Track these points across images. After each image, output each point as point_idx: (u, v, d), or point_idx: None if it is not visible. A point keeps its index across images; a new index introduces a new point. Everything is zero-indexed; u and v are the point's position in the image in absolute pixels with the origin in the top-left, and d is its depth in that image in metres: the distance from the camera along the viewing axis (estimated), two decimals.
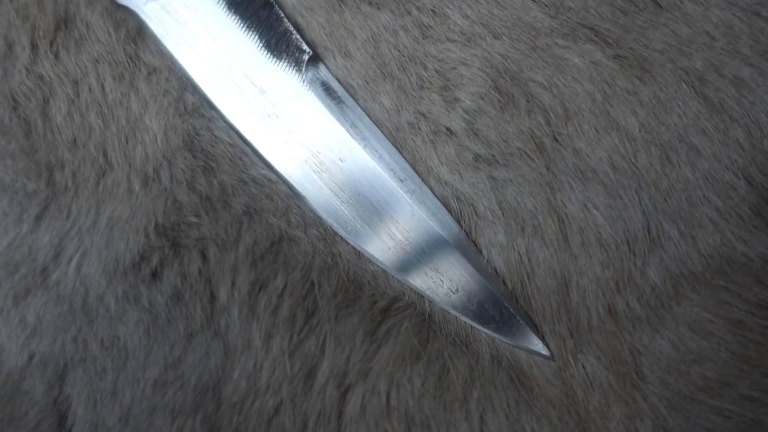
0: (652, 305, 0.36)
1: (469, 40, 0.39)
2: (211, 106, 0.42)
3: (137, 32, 0.42)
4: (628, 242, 0.36)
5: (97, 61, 0.41)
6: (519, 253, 0.38)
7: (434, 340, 0.38)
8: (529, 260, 0.37)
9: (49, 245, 0.40)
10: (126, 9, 0.43)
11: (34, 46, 0.41)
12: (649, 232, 0.36)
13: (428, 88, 0.40)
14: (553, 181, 0.37)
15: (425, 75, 0.40)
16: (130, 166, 0.40)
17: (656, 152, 0.36)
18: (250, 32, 0.42)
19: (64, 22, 0.41)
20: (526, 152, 0.37)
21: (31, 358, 0.39)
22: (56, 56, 0.41)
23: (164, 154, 0.40)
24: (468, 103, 0.39)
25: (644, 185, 0.36)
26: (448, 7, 0.40)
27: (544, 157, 0.37)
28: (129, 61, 0.41)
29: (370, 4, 0.41)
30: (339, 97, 0.42)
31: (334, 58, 0.41)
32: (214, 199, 0.39)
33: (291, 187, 0.41)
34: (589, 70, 0.38)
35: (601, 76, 0.37)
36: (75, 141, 0.40)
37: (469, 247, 0.40)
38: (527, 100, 0.38)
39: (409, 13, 0.40)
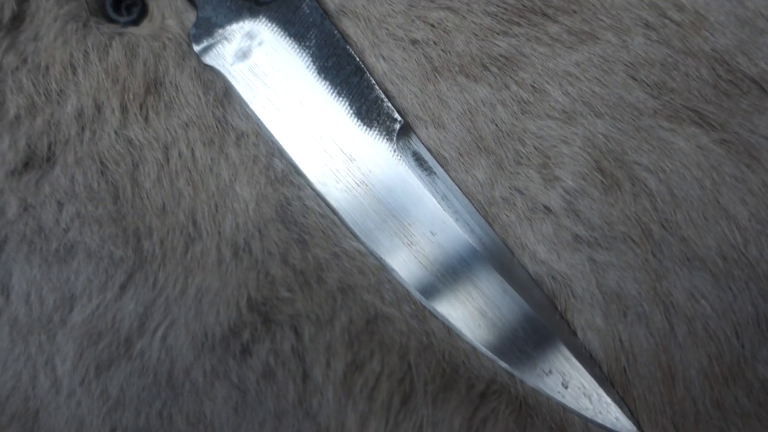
0: (761, 401, 0.35)
1: (569, 118, 0.39)
2: (299, 173, 0.41)
3: (224, 94, 0.42)
4: (737, 334, 0.35)
5: (187, 125, 0.40)
6: (619, 339, 0.37)
7: (531, 426, 0.37)
8: (631, 347, 0.37)
9: (134, 314, 0.39)
10: (213, 69, 0.42)
11: (123, 109, 0.40)
12: (758, 324, 0.35)
13: (526, 165, 0.39)
14: (659, 268, 0.36)
15: (523, 151, 0.39)
16: (219, 235, 0.39)
17: (767, 243, 0.36)
18: (341, 98, 0.41)
19: (153, 85, 0.41)
20: (630, 237, 0.37)
21: None
22: (146, 120, 0.40)
23: (255, 224, 0.39)
24: (569, 182, 0.38)
25: (754, 277, 0.36)
26: (548, 83, 0.39)
27: (650, 244, 0.36)
28: (218, 125, 0.41)
29: (467, 76, 0.40)
30: (430, 167, 0.41)
31: (426, 128, 0.41)
32: (308, 273, 0.38)
33: (380, 260, 0.40)
34: (696, 154, 0.37)
35: (709, 161, 0.37)
36: (164, 208, 0.39)
37: (562, 327, 0.39)
38: (632, 184, 0.37)
39: (508, 87, 0.40)
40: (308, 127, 0.41)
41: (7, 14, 0.40)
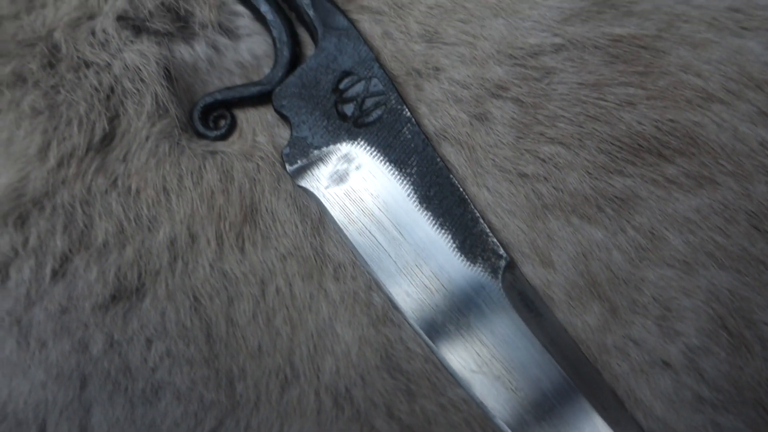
0: None
1: (690, 269, 0.37)
2: (396, 308, 0.39)
3: (320, 220, 0.40)
4: None
5: (285, 257, 0.38)
6: None
7: None
8: None
9: None
10: (306, 191, 0.40)
11: (219, 240, 0.38)
12: None
13: (643, 315, 0.37)
14: None
15: (640, 300, 0.37)
16: (318, 379, 0.37)
17: None
18: (443, 230, 0.39)
19: (250, 212, 0.38)
20: (761, 405, 0.35)
21: None
22: (242, 251, 0.38)
23: (358, 370, 0.36)
24: (692, 339, 0.36)
25: None
26: (668, 230, 0.38)
27: None
28: (316, 256, 0.39)
29: (580, 217, 0.38)
30: (536, 308, 0.39)
31: (533, 267, 0.39)
32: (415, 428, 0.35)
33: (481, 406, 0.38)
34: None
35: None
36: (260, 348, 0.37)
37: None
38: (762, 347, 0.35)
39: (624, 231, 0.38)
40: (407, 259, 0.39)
41: (98, 134, 0.38)
